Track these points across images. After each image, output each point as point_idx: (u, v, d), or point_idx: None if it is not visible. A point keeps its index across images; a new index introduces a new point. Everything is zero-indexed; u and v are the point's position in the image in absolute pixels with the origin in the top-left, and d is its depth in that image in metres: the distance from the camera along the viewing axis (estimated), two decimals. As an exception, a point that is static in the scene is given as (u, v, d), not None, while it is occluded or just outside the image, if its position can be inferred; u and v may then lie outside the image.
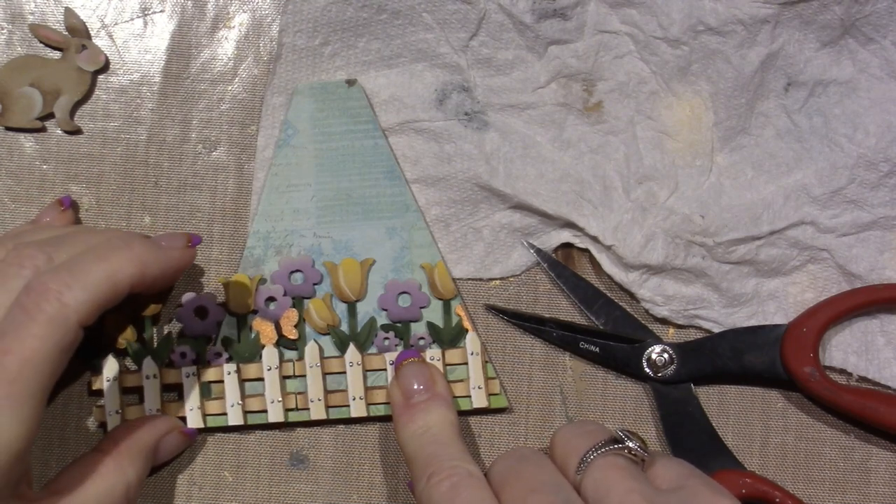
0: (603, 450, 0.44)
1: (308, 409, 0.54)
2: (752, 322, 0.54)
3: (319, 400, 0.53)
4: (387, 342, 0.54)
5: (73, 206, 0.54)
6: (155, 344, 0.54)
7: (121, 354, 0.53)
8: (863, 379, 0.54)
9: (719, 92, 0.54)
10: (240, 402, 0.53)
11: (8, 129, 0.55)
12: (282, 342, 0.54)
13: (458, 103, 0.55)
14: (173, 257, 0.49)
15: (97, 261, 0.45)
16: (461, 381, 0.54)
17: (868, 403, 0.52)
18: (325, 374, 0.54)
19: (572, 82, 0.55)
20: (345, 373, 0.54)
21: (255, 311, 0.54)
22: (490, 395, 0.54)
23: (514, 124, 0.54)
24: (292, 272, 0.54)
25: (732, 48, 0.53)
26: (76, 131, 0.55)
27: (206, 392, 0.53)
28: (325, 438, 0.55)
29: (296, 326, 0.54)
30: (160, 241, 0.49)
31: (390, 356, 0.54)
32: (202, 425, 0.53)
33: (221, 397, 0.53)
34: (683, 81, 0.54)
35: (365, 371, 0.54)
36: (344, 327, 0.54)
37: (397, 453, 0.55)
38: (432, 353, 0.54)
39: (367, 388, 0.54)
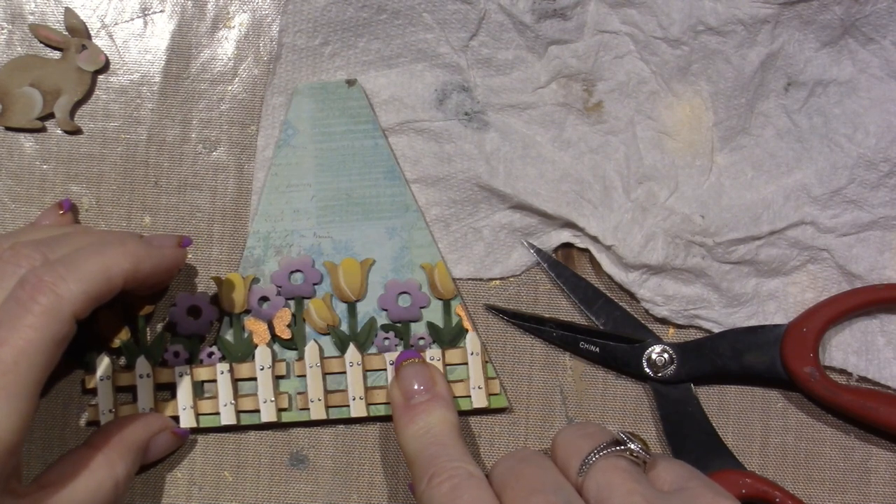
0: (605, 451, 0.44)
1: (308, 409, 0.54)
2: (752, 322, 0.54)
3: (319, 400, 0.53)
4: (387, 342, 0.54)
5: (73, 209, 0.54)
6: (148, 343, 0.54)
7: (114, 353, 0.53)
8: (863, 379, 0.54)
9: (719, 92, 0.54)
10: (233, 401, 0.53)
11: (8, 129, 0.55)
12: (278, 342, 0.54)
13: (458, 103, 0.55)
14: (165, 255, 0.49)
15: (91, 255, 0.45)
16: (461, 381, 0.54)
17: (868, 403, 0.52)
18: (325, 374, 0.54)
19: (572, 82, 0.55)
20: (345, 373, 0.54)
21: (248, 311, 0.54)
22: (490, 395, 0.54)
23: (514, 124, 0.54)
24: (292, 272, 0.54)
25: (732, 48, 0.53)
26: (76, 131, 0.55)
27: (199, 391, 0.54)
28: (325, 438, 0.55)
29: (289, 326, 0.54)
30: (152, 240, 0.49)
31: (390, 356, 0.54)
32: (195, 424, 0.53)
33: (214, 397, 0.53)
34: (683, 81, 0.54)
35: (365, 371, 0.54)
36: (344, 327, 0.54)
37: (397, 453, 0.55)
38: (432, 353, 0.54)
39: (367, 388, 0.54)
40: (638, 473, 0.44)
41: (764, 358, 0.53)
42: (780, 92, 0.54)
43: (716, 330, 0.54)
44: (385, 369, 0.54)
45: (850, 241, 0.54)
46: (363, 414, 0.54)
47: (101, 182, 0.55)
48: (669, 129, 0.55)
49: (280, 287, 0.54)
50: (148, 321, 0.54)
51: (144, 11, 0.55)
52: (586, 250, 0.55)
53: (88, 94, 0.55)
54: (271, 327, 0.54)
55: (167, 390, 0.54)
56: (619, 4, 0.54)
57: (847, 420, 0.54)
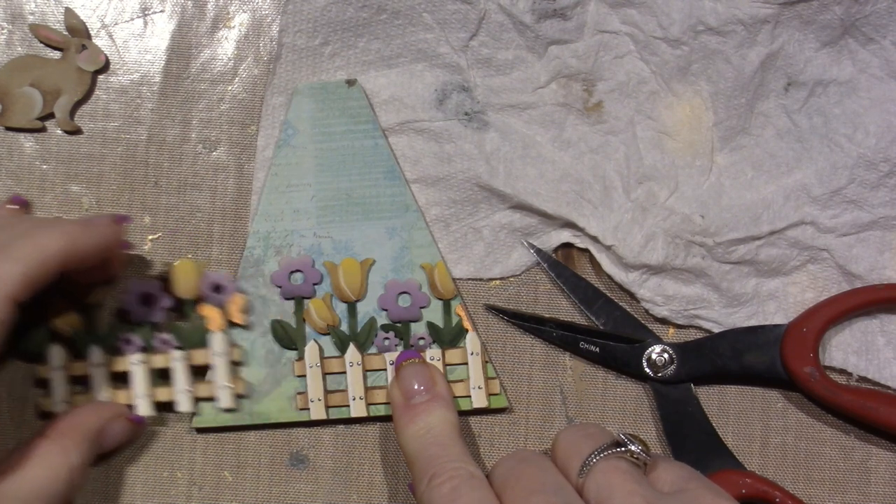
0: (605, 453, 0.44)
1: (308, 409, 0.54)
2: (752, 322, 0.54)
3: (319, 400, 0.53)
4: (387, 342, 0.54)
5: (26, 205, 0.54)
6: (101, 332, 0.54)
7: (67, 343, 0.53)
8: (863, 379, 0.54)
9: (719, 92, 0.54)
10: (189, 388, 0.53)
11: (8, 129, 0.55)
12: (233, 327, 0.54)
13: (458, 103, 0.55)
14: (102, 233, 0.49)
15: (25, 237, 0.46)
16: (461, 381, 0.54)
17: (868, 403, 0.52)
18: (325, 374, 0.54)
19: (572, 82, 0.55)
20: (345, 373, 0.54)
21: (202, 297, 0.54)
22: (490, 395, 0.54)
23: (514, 124, 0.54)
24: (292, 272, 0.54)
25: (732, 48, 0.53)
26: (76, 131, 0.55)
27: (154, 379, 0.53)
28: (325, 438, 0.55)
29: (243, 311, 0.54)
30: (88, 219, 0.49)
31: (390, 356, 0.54)
32: (152, 413, 0.53)
33: (170, 384, 0.53)
34: (683, 81, 0.54)
35: (365, 371, 0.54)
36: (344, 327, 0.54)
37: (397, 453, 0.55)
38: (432, 353, 0.54)
39: (367, 388, 0.54)
40: (638, 475, 0.44)
41: (764, 358, 0.53)
42: (780, 92, 0.54)
43: (716, 330, 0.54)
44: (385, 369, 0.54)
45: (850, 241, 0.54)
46: (363, 414, 0.54)
47: (101, 182, 0.55)
48: (669, 129, 0.55)
49: (280, 287, 0.54)
50: (100, 310, 0.54)
51: (144, 11, 0.55)
52: (586, 250, 0.55)
53: (88, 94, 0.55)
54: (225, 313, 0.54)
55: (122, 379, 0.54)
56: (619, 4, 0.54)
57: (847, 420, 0.54)
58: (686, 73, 0.54)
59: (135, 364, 0.53)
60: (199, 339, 0.54)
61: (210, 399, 0.53)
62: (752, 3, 0.53)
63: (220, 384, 0.53)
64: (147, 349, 0.53)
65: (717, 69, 0.54)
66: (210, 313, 0.54)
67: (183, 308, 0.54)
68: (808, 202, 0.54)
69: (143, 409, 0.53)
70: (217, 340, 0.53)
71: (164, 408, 0.54)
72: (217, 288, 0.54)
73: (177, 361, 0.53)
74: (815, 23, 0.53)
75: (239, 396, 0.54)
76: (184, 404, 0.53)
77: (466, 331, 0.54)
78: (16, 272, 0.44)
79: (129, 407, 0.53)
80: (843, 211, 0.54)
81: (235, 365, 0.54)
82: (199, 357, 0.53)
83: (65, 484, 0.48)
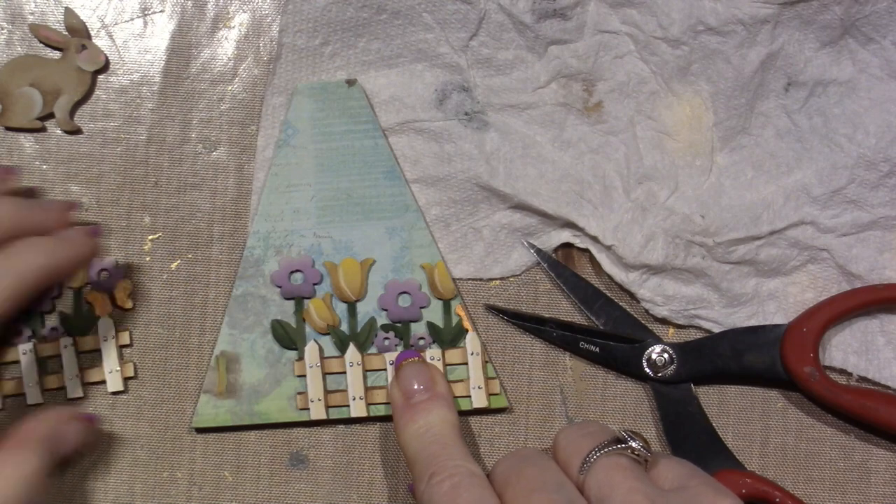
0: (606, 450, 0.44)
1: (308, 409, 0.54)
2: (752, 322, 0.54)
3: (319, 400, 0.53)
4: (387, 342, 0.54)
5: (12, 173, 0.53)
6: None
7: None
8: (863, 379, 0.54)
9: (719, 92, 0.54)
10: (78, 374, 0.54)
11: (8, 129, 0.55)
12: (116, 314, 0.54)
13: (458, 103, 0.55)
14: (79, 247, 0.49)
15: (4, 258, 0.46)
16: (461, 381, 0.54)
17: (868, 403, 0.52)
18: (325, 374, 0.54)
19: (572, 82, 0.55)
20: (345, 373, 0.54)
21: (88, 284, 0.54)
22: (490, 395, 0.54)
23: (514, 124, 0.55)
24: (292, 272, 0.54)
25: (732, 48, 0.54)
26: (76, 131, 0.55)
27: (44, 367, 0.54)
28: (325, 438, 0.55)
29: (129, 296, 0.54)
30: (65, 235, 0.50)
31: (390, 356, 0.54)
32: (40, 401, 0.54)
33: (60, 371, 0.54)
34: (683, 81, 0.54)
35: (365, 371, 0.54)
36: (344, 327, 0.54)
37: (397, 453, 0.55)
38: (432, 353, 0.54)
39: (367, 388, 0.54)
40: (639, 471, 0.44)
41: (764, 358, 0.53)
42: (780, 92, 0.54)
43: (716, 330, 0.54)
44: (385, 369, 0.54)
45: (850, 241, 0.54)
46: (363, 414, 0.54)
47: (101, 182, 0.55)
48: (669, 129, 0.55)
49: (280, 287, 0.54)
50: None
51: (144, 11, 0.55)
52: (586, 250, 0.55)
53: (88, 94, 0.55)
54: (112, 298, 0.54)
55: (12, 369, 0.54)
56: (619, 4, 0.54)
57: (847, 420, 0.54)
58: (686, 73, 0.54)
59: (24, 353, 0.54)
60: (87, 326, 0.54)
61: (102, 383, 0.54)
62: (752, 3, 0.53)
63: (108, 369, 0.54)
64: (36, 337, 0.54)
65: (717, 69, 0.54)
66: (97, 299, 0.54)
67: (71, 295, 0.54)
68: (808, 202, 0.54)
69: (33, 397, 0.54)
70: (104, 326, 0.54)
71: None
72: (104, 273, 0.54)
73: (66, 348, 0.54)
74: (815, 23, 0.53)
75: (127, 379, 0.54)
76: (73, 391, 0.54)
77: (466, 331, 0.54)
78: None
79: (21, 395, 0.53)
80: (843, 211, 0.54)
81: (123, 348, 0.54)
82: (87, 343, 0.54)
83: (20, 492, 0.47)
